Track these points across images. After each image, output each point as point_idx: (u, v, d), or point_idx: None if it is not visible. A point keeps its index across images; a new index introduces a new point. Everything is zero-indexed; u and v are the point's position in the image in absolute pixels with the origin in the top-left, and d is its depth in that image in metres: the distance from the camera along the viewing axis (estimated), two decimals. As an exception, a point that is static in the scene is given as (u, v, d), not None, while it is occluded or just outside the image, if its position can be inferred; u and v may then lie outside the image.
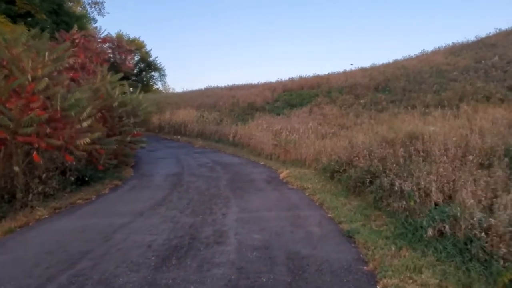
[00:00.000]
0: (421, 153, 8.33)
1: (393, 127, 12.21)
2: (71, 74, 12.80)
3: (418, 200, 6.59)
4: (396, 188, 7.07)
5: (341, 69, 31.03)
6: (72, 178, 9.10)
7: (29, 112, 7.73)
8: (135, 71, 48.57)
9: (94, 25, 40.22)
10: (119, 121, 13.18)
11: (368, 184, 8.13)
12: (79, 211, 7.79)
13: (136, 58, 48.84)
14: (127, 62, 17.16)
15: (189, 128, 23.59)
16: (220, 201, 8.44)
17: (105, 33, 25.29)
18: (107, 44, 16.60)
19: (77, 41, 15.20)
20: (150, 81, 51.56)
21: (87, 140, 8.34)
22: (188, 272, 4.77)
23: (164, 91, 50.11)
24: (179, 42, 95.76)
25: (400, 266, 4.86)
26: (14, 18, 21.39)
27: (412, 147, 8.67)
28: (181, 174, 12.03)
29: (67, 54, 9.17)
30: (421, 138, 9.33)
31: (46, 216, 7.44)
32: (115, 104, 12.98)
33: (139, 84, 46.67)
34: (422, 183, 6.81)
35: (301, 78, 30.69)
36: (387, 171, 7.86)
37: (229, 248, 5.58)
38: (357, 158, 9.38)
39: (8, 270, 4.92)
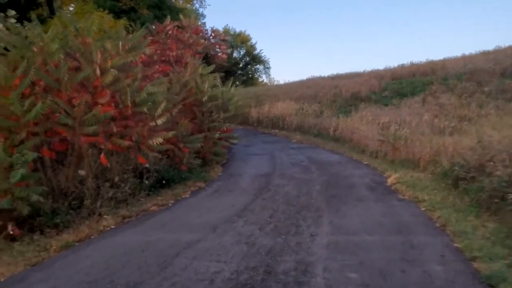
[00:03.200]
0: None
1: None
2: (158, 67, 12.26)
3: None
4: (559, 212, 4.95)
5: (458, 53, 27.31)
6: (147, 182, 8.26)
7: (102, 109, 6.97)
8: (240, 65, 48.92)
9: (203, 21, 41.28)
10: (209, 116, 12.27)
11: (511, 200, 6.01)
12: (148, 222, 6.85)
13: (242, 52, 49.14)
14: (221, 53, 16.33)
15: (287, 121, 22.26)
16: (309, 215, 6.92)
17: (207, 26, 25.14)
18: (201, 35, 15.90)
19: (170, 32, 14.66)
20: (255, 74, 51.49)
21: (160, 139, 7.38)
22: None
23: (269, 84, 49.54)
24: (284, 33, 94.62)
25: None
26: (118, 14, 22.00)
27: None
28: (271, 174, 10.71)
29: (144, 43, 8.30)
30: None
31: (112, 226, 6.60)
32: (205, 98, 12.08)
33: (239, 78, 47.01)
34: None
35: (412, 64, 27.84)
36: (542, 185, 5.69)
37: (313, 295, 4.08)
38: (491, 163, 7.19)
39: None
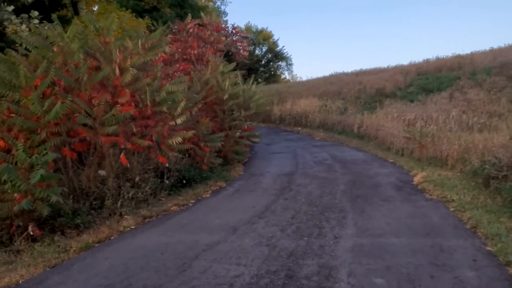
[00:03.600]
0: None
1: None
2: (179, 65, 12.21)
3: None
4: None
5: (486, 47, 26.34)
6: (167, 182, 8.17)
7: (120, 109, 6.94)
8: (262, 62, 48.79)
9: (225, 19, 41.38)
10: (230, 114, 12.14)
11: (548, 201, 5.68)
12: (169, 222, 6.76)
13: (264, 49, 48.98)
14: (242, 51, 16.16)
15: (310, 118, 21.97)
16: (333, 216, 6.70)
17: (229, 23, 25.04)
18: (222, 33, 15.77)
19: (190, 30, 14.59)
20: (277, 71, 51.25)
21: (179, 139, 7.27)
22: None
23: (291, 81, 49.21)
24: (306, 29, 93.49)
25: None
26: (141, 13, 22.15)
27: None
28: (293, 174, 10.51)
29: (164, 41, 8.22)
30: None
31: (133, 227, 6.53)
32: (226, 96, 11.95)
33: (261, 75, 46.89)
34: None
35: (438, 59, 27.09)
36: None
37: (336, 303, 3.88)
38: (525, 161, 6.85)
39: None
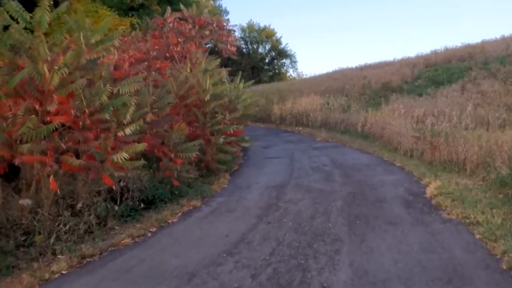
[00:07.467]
0: None
1: None
2: (155, 63, 10.82)
3: None
4: None
5: (498, 35, 24.59)
6: (117, 208, 6.60)
7: (48, 119, 5.49)
8: (266, 60, 47.65)
9: (227, 17, 40.18)
10: (212, 118, 10.61)
11: None
12: (112, 263, 5.22)
13: (267, 47, 47.86)
14: (229, 46, 14.65)
15: (312, 117, 20.45)
16: (324, 250, 5.16)
17: (231, 22, 23.59)
18: (205, 27, 14.29)
19: (170, 25, 13.13)
20: (282, 69, 50.22)
21: (125, 154, 5.74)
22: None
23: (297, 78, 47.90)
24: (312, 25, 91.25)
25: None
26: (126, 11, 20.77)
27: None
28: (285, 186, 8.94)
29: (115, 34, 6.74)
30: None
31: (64, 271, 5.00)
32: (207, 97, 10.40)
33: (266, 73, 45.59)
34: None
35: (447, 49, 25.54)
36: None
37: None
38: None
39: None
